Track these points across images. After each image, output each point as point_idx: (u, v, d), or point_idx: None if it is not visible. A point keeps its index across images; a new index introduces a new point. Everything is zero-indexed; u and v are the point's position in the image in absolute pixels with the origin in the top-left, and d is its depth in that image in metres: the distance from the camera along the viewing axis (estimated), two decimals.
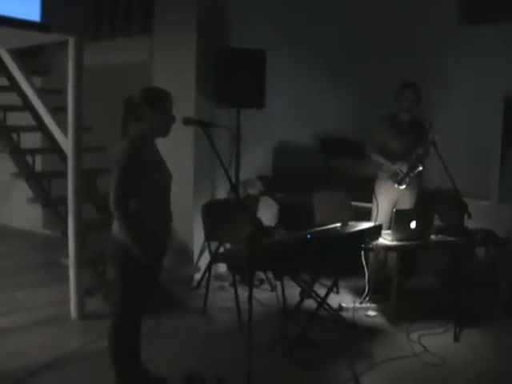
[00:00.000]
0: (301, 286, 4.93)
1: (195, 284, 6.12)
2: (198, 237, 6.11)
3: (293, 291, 5.28)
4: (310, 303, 4.90)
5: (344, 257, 4.95)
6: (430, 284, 6.07)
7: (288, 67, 6.87)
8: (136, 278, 3.60)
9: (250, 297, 3.71)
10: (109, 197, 3.51)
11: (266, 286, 6.10)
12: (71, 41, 5.02)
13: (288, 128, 6.97)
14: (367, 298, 5.63)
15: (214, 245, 5.63)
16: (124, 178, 3.50)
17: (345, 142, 6.98)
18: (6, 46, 5.77)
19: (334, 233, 4.69)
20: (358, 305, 5.57)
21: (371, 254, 5.53)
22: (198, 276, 6.15)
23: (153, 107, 3.61)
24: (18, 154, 6.19)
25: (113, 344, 3.70)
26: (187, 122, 3.76)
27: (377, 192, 5.89)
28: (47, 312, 5.26)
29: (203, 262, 6.07)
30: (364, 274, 5.56)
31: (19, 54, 6.08)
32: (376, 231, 5.00)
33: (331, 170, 6.71)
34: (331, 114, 7.02)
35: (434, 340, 4.83)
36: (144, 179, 3.52)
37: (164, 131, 3.70)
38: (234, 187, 5.05)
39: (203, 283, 5.78)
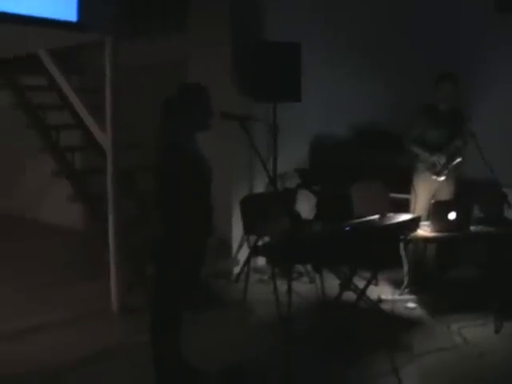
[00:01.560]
0: (340, 279, 4.94)
1: (235, 277, 6.16)
2: (237, 230, 6.16)
3: (332, 283, 5.28)
4: (350, 295, 4.91)
5: (383, 249, 4.93)
6: (469, 275, 6.01)
7: (323, 60, 6.85)
8: (176, 273, 3.65)
9: (289, 289, 3.74)
10: (149, 193, 3.55)
11: (305, 278, 6.10)
12: (108, 40, 5.09)
13: (324, 121, 6.96)
14: (406, 290, 5.61)
15: (252, 238, 5.66)
16: (167, 178, 3.54)
17: (381, 133, 6.95)
18: (45, 47, 5.86)
19: (373, 225, 4.68)
20: (397, 297, 5.56)
21: (410, 246, 5.50)
22: (237, 269, 6.20)
23: (191, 102, 3.65)
24: (58, 152, 6.30)
25: (153, 337, 3.76)
26: (225, 116, 3.79)
27: (415, 183, 5.85)
28: (89, 307, 5.33)
29: (242, 255, 6.12)
30: (403, 265, 5.54)
31: (58, 54, 6.16)
32: (415, 223, 4.98)
33: (368, 161, 6.67)
34: (367, 105, 6.98)
35: (474, 332, 4.79)
36: (186, 178, 3.54)
37: (204, 126, 3.72)
38: (272, 181, 5.07)
39: (242, 276, 5.83)
